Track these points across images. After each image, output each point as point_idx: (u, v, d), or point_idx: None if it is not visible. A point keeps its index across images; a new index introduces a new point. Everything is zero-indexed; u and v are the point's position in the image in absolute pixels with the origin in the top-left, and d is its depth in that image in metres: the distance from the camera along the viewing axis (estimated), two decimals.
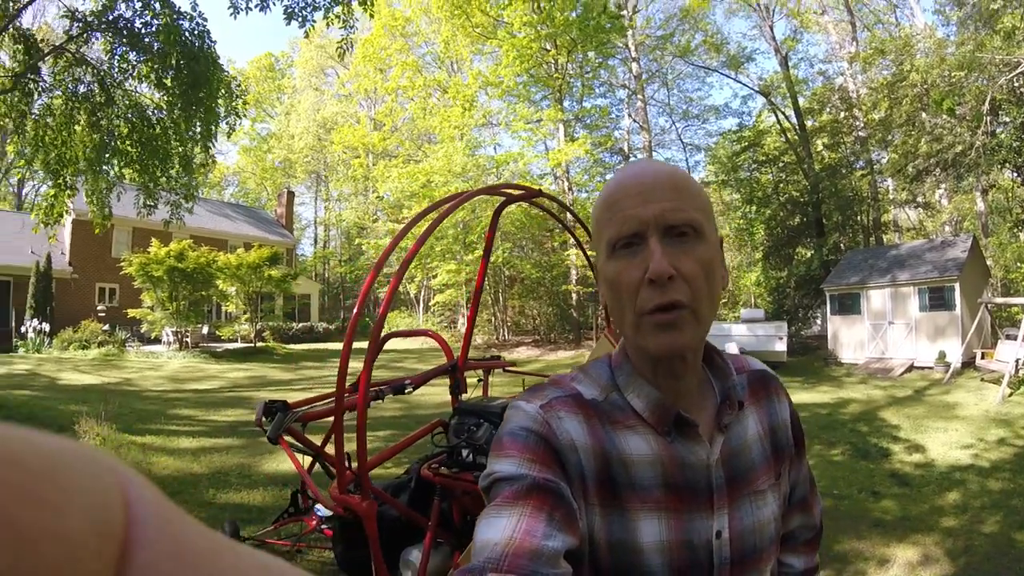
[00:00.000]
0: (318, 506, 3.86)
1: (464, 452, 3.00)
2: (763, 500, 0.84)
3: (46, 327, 19.82)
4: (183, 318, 20.16)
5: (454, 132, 26.55)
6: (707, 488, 0.79)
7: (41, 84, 10.00)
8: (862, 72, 22.40)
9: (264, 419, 3.19)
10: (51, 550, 0.15)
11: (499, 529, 0.65)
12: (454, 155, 24.81)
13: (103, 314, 23.55)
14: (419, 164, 26.85)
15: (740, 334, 16.17)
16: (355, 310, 3.13)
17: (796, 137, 25.30)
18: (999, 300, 15.34)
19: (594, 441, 0.78)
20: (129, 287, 22.21)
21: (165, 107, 10.51)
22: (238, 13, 9.11)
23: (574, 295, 25.19)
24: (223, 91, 10.66)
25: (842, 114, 23.92)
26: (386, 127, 34.69)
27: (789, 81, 25.56)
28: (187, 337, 20.99)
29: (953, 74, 15.67)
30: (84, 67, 10.05)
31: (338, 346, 23.90)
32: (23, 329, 19.92)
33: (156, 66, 9.71)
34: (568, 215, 5.48)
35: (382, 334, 2.95)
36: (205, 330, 22.63)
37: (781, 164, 25.85)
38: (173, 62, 9.49)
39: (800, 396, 11.32)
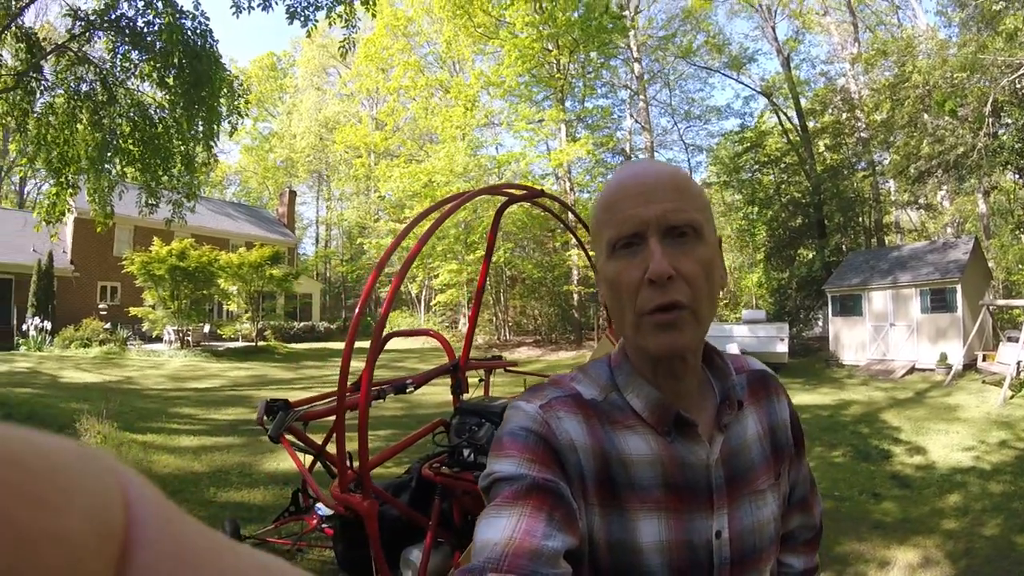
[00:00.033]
0: (319, 505, 3.86)
1: (465, 452, 3.01)
2: (763, 500, 0.84)
3: (48, 325, 19.84)
4: (184, 317, 20.17)
5: (456, 132, 26.55)
6: (707, 488, 0.79)
7: (43, 83, 10.01)
8: (864, 73, 22.39)
9: (266, 418, 3.20)
10: (51, 550, 0.15)
11: (499, 529, 0.65)
12: (456, 155, 24.81)
13: (104, 312, 23.57)
14: (421, 164, 26.87)
15: (741, 335, 16.17)
16: (357, 310, 3.13)
17: (798, 138, 25.28)
18: (1001, 302, 15.33)
19: (594, 441, 0.78)
20: (131, 285, 22.22)
21: (167, 106, 10.53)
22: (240, 12, 9.13)
23: (575, 295, 25.18)
24: (225, 90, 10.68)
25: (844, 115, 23.91)
26: (388, 127, 34.71)
27: (791, 82, 25.54)
28: (188, 336, 21.02)
29: (955, 75, 15.65)
30: (86, 66, 10.06)
31: (339, 345, 23.92)
32: (25, 327, 19.93)
33: (158, 65, 9.72)
34: (570, 215, 5.49)
35: (384, 334, 2.95)
36: (206, 329, 22.64)
37: (783, 165, 25.84)
38: (175, 61, 9.50)
39: (801, 397, 11.31)
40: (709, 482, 0.79)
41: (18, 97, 9.66)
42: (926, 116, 17.62)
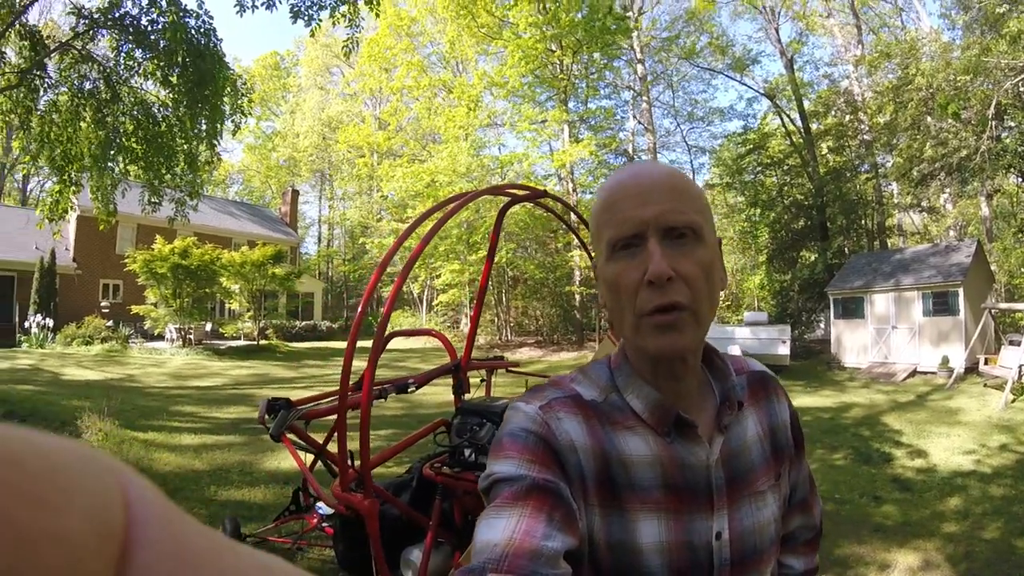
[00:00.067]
0: (319, 504, 3.86)
1: (466, 452, 3.01)
2: (763, 501, 0.84)
3: (50, 323, 19.87)
4: (186, 315, 20.19)
5: (459, 132, 26.55)
6: (707, 489, 0.79)
7: (47, 80, 10.03)
8: (867, 75, 22.36)
9: (267, 416, 3.21)
10: (51, 551, 0.15)
11: (499, 530, 0.65)
12: (459, 155, 24.81)
13: (107, 310, 23.61)
14: (424, 164, 26.86)
15: (743, 337, 16.16)
16: (359, 309, 3.13)
17: (801, 140, 25.25)
18: (1003, 305, 15.32)
19: (593, 442, 0.78)
20: (133, 283, 22.28)
21: (171, 104, 10.55)
22: (244, 11, 9.14)
23: (577, 296, 25.16)
24: (229, 89, 10.69)
25: (847, 117, 23.88)
26: (391, 126, 34.70)
27: (794, 84, 25.52)
28: (190, 334, 21.04)
29: (959, 78, 15.63)
30: (90, 64, 10.08)
31: (340, 345, 23.94)
32: (27, 324, 19.96)
33: (162, 63, 9.73)
34: (572, 216, 5.49)
35: (385, 333, 2.96)
36: (208, 327, 22.66)
37: (786, 167, 25.82)
38: (179, 60, 9.51)
39: (803, 400, 11.30)
40: (709, 483, 0.80)
41: (22, 95, 9.68)
42: (929, 119, 17.60)
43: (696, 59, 30.01)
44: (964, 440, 7.78)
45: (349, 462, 2.88)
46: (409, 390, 3.75)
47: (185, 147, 10.95)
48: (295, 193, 39.13)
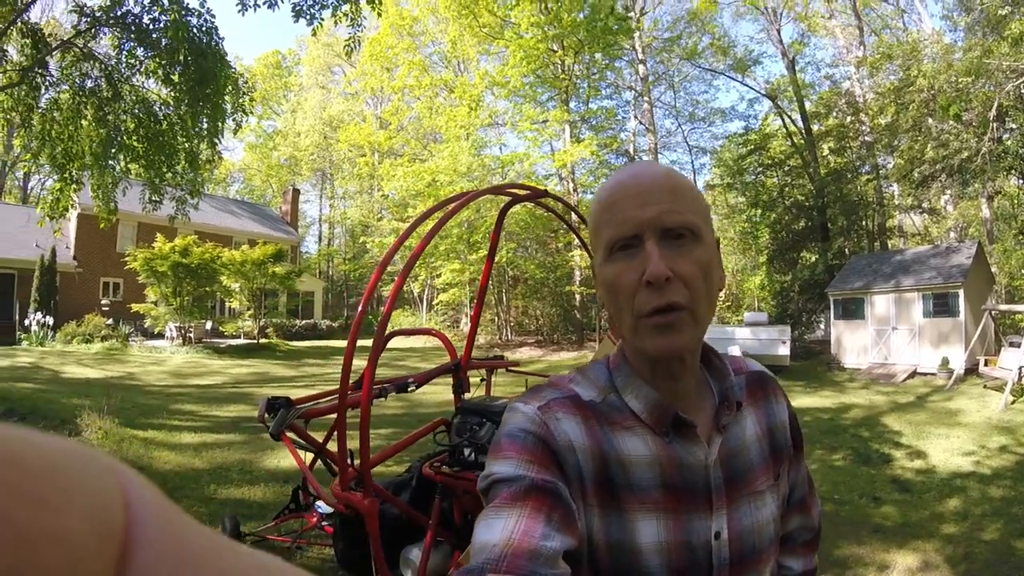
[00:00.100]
0: (319, 503, 3.87)
1: (466, 451, 3.01)
2: (762, 501, 0.84)
3: (50, 321, 19.86)
4: (187, 313, 20.20)
5: (460, 132, 26.54)
6: (705, 489, 0.80)
7: (48, 78, 10.03)
8: (869, 77, 22.35)
9: (267, 415, 3.20)
10: (51, 551, 0.15)
11: (497, 530, 0.65)
12: (460, 155, 24.81)
13: (107, 308, 23.62)
14: (424, 163, 26.87)
15: (743, 337, 16.16)
16: (360, 308, 3.14)
17: (802, 141, 25.26)
18: (1003, 307, 15.33)
19: (592, 442, 0.78)
20: (133, 282, 22.29)
21: (172, 103, 10.55)
22: (246, 10, 9.14)
23: (577, 296, 25.17)
24: (230, 88, 10.70)
25: (848, 119, 23.87)
26: (392, 126, 34.71)
27: (796, 85, 25.51)
28: (190, 332, 21.05)
29: (960, 80, 15.63)
30: (91, 62, 10.08)
31: (340, 343, 23.94)
32: (27, 322, 19.97)
33: (163, 62, 9.74)
34: (573, 215, 5.49)
35: (386, 332, 2.96)
36: (208, 326, 22.67)
37: (787, 168, 25.83)
38: (181, 58, 9.51)
39: (802, 400, 11.30)
40: (708, 483, 0.80)
41: (23, 92, 9.68)
42: (931, 120, 17.61)
43: (698, 60, 30.02)
44: (964, 441, 7.78)
45: (349, 461, 2.88)
46: (409, 389, 3.75)
47: (186, 145, 10.96)
48: (296, 192, 39.14)
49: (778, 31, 27.29)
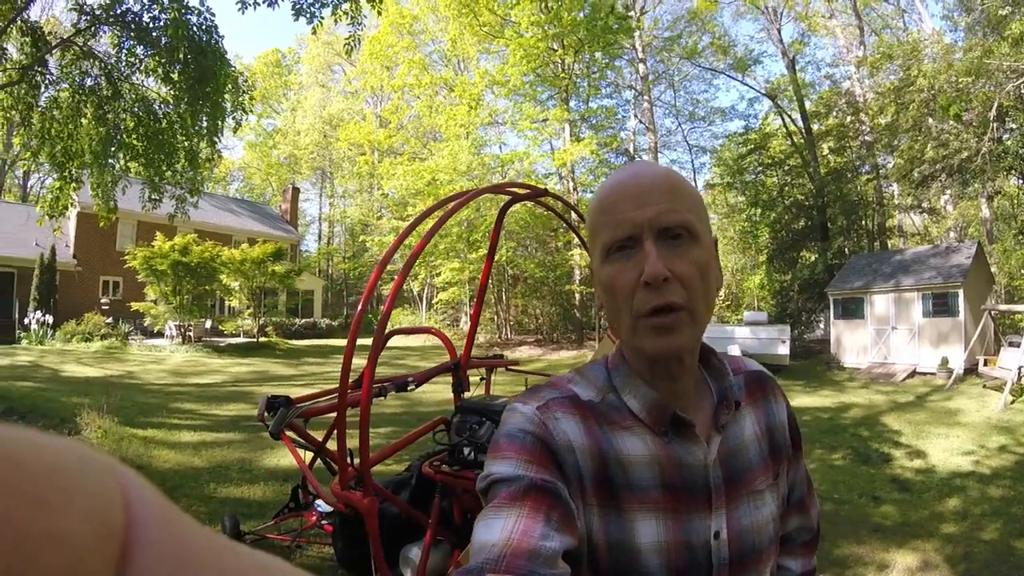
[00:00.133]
0: (318, 502, 3.87)
1: (466, 450, 3.01)
2: (761, 500, 0.84)
3: (49, 319, 19.85)
4: (186, 312, 20.21)
5: (460, 130, 26.53)
6: (705, 488, 0.80)
7: (48, 77, 10.02)
8: (869, 76, 22.34)
9: (267, 414, 3.20)
10: (51, 551, 0.15)
11: (497, 530, 0.65)
12: (459, 153, 24.80)
13: (106, 307, 23.61)
14: (424, 162, 26.85)
15: (743, 337, 16.17)
16: (359, 307, 3.13)
17: (802, 140, 25.24)
18: (1003, 307, 15.34)
19: (591, 442, 0.79)
20: (133, 280, 22.27)
21: (172, 101, 10.55)
22: (246, 8, 9.13)
23: (577, 295, 25.17)
24: (230, 86, 10.70)
25: (848, 118, 23.86)
26: (392, 124, 34.70)
27: (796, 84, 25.50)
28: (190, 331, 21.05)
29: (960, 80, 15.62)
30: (91, 60, 10.07)
31: (340, 342, 23.93)
32: (26, 321, 19.96)
33: (163, 60, 9.73)
34: (573, 214, 5.49)
35: (385, 331, 2.96)
36: (208, 324, 22.67)
37: (787, 167, 25.82)
38: (180, 57, 9.51)
39: (802, 400, 11.31)
40: (707, 482, 0.80)
41: (23, 91, 9.68)
42: (931, 120, 17.60)
43: (698, 59, 30.03)
44: (963, 441, 7.78)
45: (348, 460, 2.88)
46: (409, 388, 3.75)
47: (186, 144, 10.95)
48: (295, 191, 39.12)
49: (778, 30, 27.28)
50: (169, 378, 13.55)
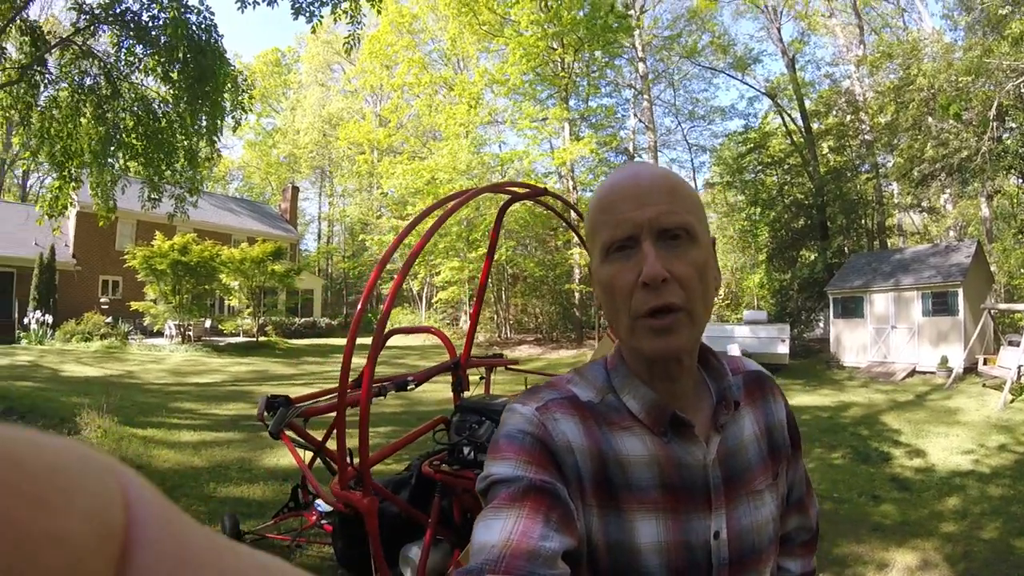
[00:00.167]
0: (318, 501, 3.86)
1: (465, 449, 3.01)
2: (761, 500, 0.84)
3: (49, 319, 19.83)
4: (186, 311, 20.20)
5: (459, 129, 26.53)
6: (704, 488, 0.80)
7: (47, 76, 10.01)
8: (869, 76, 22.34)
9: (266, 413, 3.20)
10: (51, 551, 0.15)
11: (496, 531, 0.65)
12: (459, 152, 24.80)
13: (106, 306, 23.59)
14: (424, 161, 26.84)
15: (742, 335, 16.17)
16: (359, 306, 3.13)
17: (802, 139, 25.23)
18: (1002, 306, 15.34)
19: (590, 442, 0.79)
20: (132, 280, 22.27)
21: (171, 101, 10.54)
22: (245, 7, 9.13)
23: (577, 294, 25.17)
24: (229, 85, 10.69)
25: (848, 117, 23.86)
26: (391, 123, 34.70)
27: (796, 83, 25.48)
28: (190, 331, 21.04)
29: (960, 79, 15.62)
30: (90, 60, 10.07)
31: (340, 342, 23.94)
32: (26, 320, 19.94)
33: (163, 59, 9.72)
34: (572, 214, 5.48)
35: (385, 331, 2.96)
36: (208, 324, 22.66)
37: (786, 166, 25.80)
38: (180, 56, 9.50)
39: (801, 399, 11.31)
40: (706, 482, 0.80)
41: (22, 90, 9.67)
42: (930, 119, 17.61)
43: (697, 58, 30.03)
44: (963, 440, 7.78)
45: (348, 459, 2.88)
46: (408, 387, 3.74)
47: (185, 143, 10.95)
48: (295, 190, 39.11)
49: (778, 29, 27.27)
50: (169, 377, 13.55)
